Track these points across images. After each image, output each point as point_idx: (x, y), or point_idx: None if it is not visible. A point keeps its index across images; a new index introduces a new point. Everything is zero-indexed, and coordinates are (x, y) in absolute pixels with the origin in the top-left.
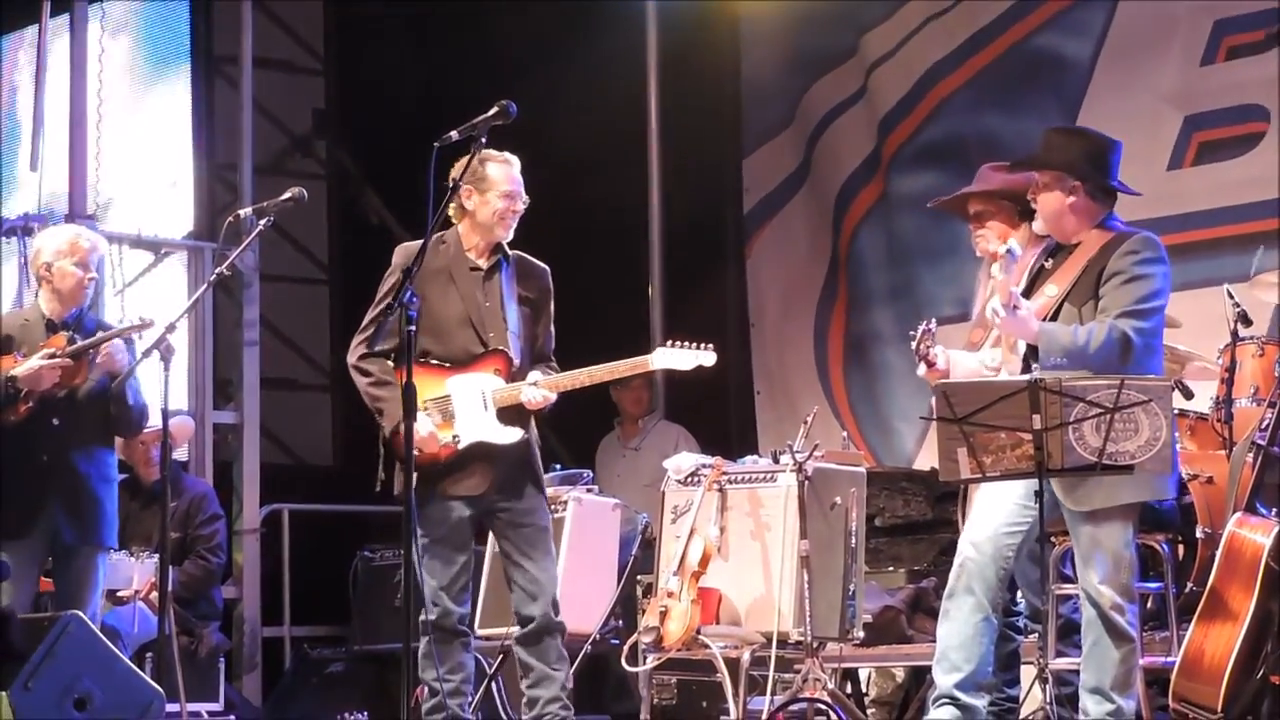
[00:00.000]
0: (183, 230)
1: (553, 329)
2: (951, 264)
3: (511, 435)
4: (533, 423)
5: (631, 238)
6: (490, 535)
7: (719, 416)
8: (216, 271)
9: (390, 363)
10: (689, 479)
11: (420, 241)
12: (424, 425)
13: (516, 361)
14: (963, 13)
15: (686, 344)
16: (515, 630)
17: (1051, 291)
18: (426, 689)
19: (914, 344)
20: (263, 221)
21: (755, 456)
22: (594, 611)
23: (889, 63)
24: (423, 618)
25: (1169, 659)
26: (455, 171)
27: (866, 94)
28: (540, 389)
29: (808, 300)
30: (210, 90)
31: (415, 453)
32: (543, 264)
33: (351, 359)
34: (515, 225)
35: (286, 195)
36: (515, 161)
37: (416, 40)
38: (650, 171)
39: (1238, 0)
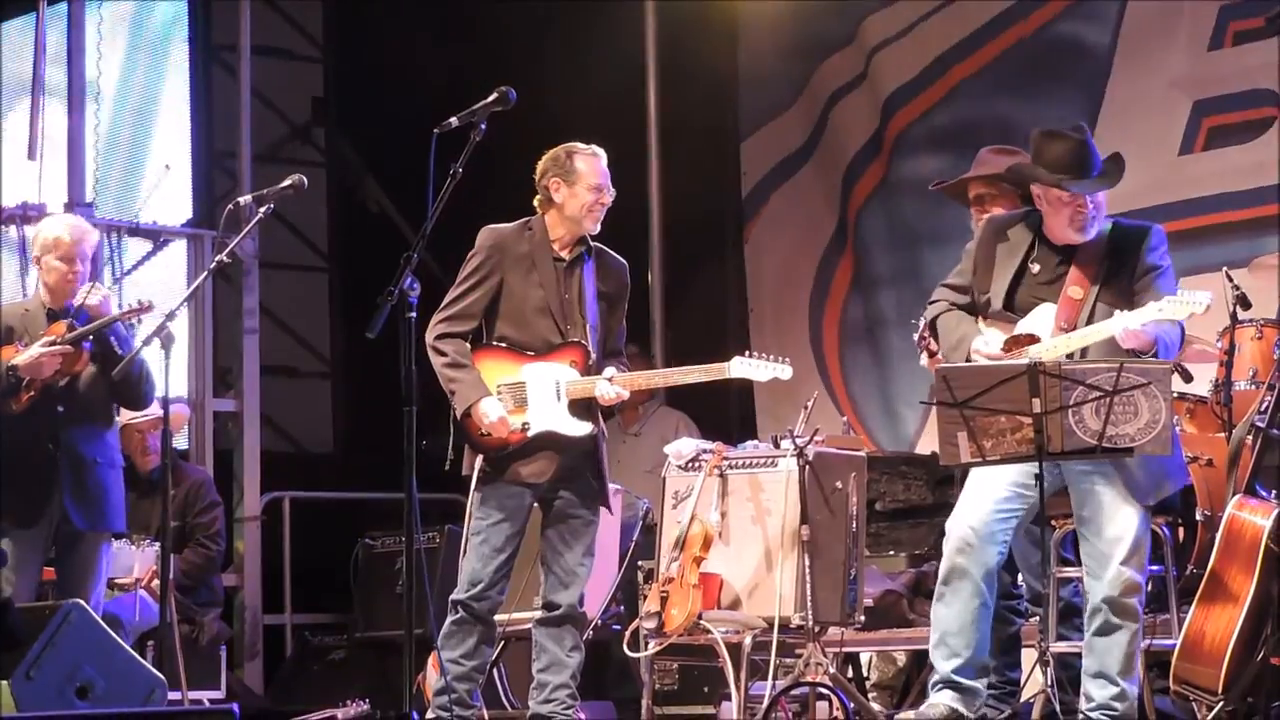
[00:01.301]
0: (182, 218)
1: (624, 324)
2: (956, 247)
3: (582, 428)
4: (601, 418)
5: (631, 225)
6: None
7: (719, 402)
8: (216, 259)
9: (467, 344)
10: (689, 464)
11: (509, 225)
12: (494, 410)
13: (593, 355)
14: None
15: (763, 356)
16: (521, 616)
17: (1076, 294)
18: (442, 668)
19: (916, 336)
20: (263, 209)
21: (755, 442)
22: (596, 597)
23: (893, 46)
24: (454, 597)
25: (1170, 642)
26: (541, 164)
27: (868, 78)
28: (615, 385)
29: (803, 286)
30: (209, 78)
31: (485, 435)
32: (623, 259)
33: (430, 337)
34: (602, 217)
35: (286, 183)
36: (602, 154)
37: (415, 27)
38: (649, 158)
39: None
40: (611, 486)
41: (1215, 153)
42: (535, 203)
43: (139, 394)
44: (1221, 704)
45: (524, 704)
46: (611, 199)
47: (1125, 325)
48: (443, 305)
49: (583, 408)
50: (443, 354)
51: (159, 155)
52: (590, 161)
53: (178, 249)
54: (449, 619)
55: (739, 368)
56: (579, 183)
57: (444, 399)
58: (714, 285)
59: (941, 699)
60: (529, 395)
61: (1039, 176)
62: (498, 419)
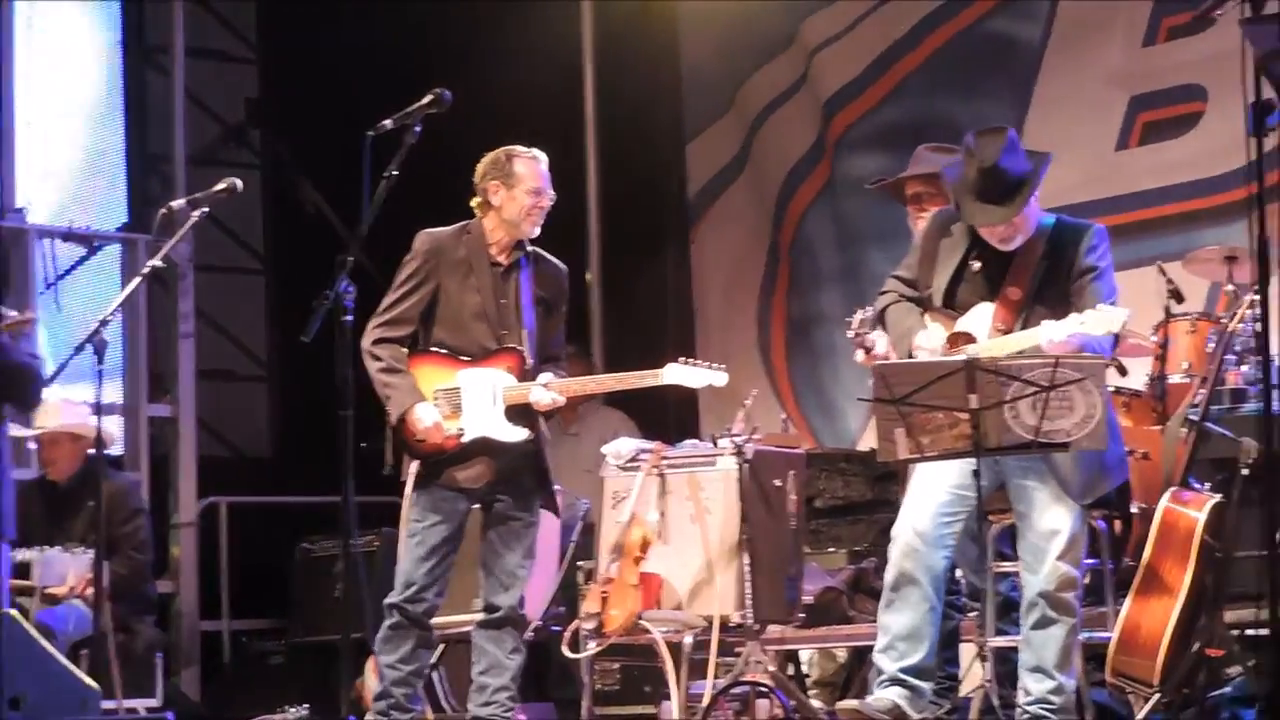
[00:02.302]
0: (116, 222)
1: (563, 329)
2: (899, 245)
3: (517, 434)
4: (542, 422)
5: (570, 224)
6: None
7: (658, 402)
8: (150, 264)
9: (404, 350)
10: (628, 464)
11: (446, 229)
12: (429, 415)
13: (530, 361)
14: None
15: (698, 362)
16: (461, 619)
17: (1014, 295)
18: (380, 673)
19: (850, 333)
20: (196, 212)
21: (695, 441)
22: (536, 599)
23: (834, 46)
24: (388, 600)
25: (1106, 634)
26: (480, 167)
27: (808, 80)
28: (550, 391)
29: (751, 285)
30: (142, 80)
31: (420, 441)
32: (562, 264)
33: (366, 342)
34: (541, 221)
35: (221, 185)
36: (543, 157)
37: (351, 27)
38: (587, 159)
39: None
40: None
41: (1151, 148)
42: (473, 205)
43: (26, 393)
44: (1158, 695)
45: (464, 707)
46: (551, 202)
47: (1050, 337)
48: (379, 310)
49: (519, 413)
50: (378, 359)
51: (91, 159)
52: (530, 164)
53: (111, 254)
54: (385, 623)
55: (673, 374)
56: (518, 186)
57: (382, 403)
58: (655, 286)
59: (888, 695)
60: (464, 401)
61: (950, 194)
62: (432, 425)
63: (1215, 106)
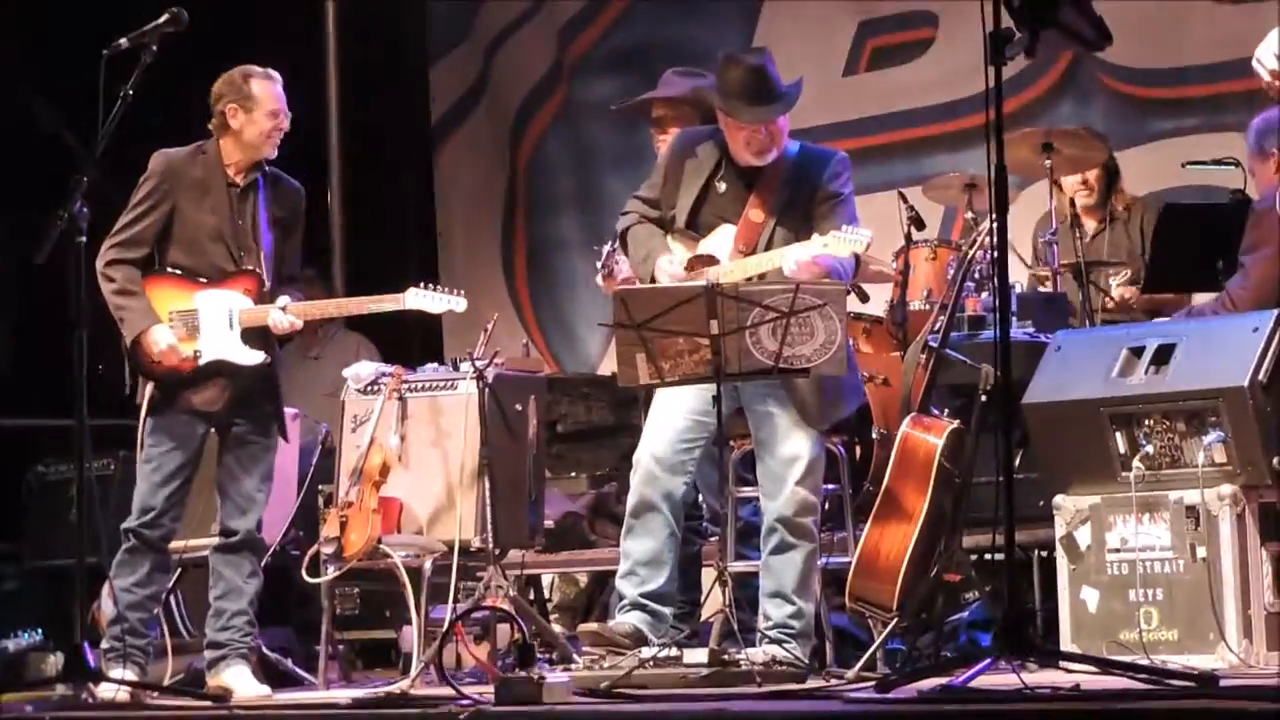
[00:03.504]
0: None
1: (300, 250)
2: (637, 168)
3: (254, 357)
4: (276, 344)
5: (312, 147)
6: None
7: (399, 325)
8: None
9: (138, 271)
10: (369, 388)
11: (182, 150)
12: (164, 338)
13: (267, 283)
14: None
15: (438, 288)
16: (198, 542)
17: (757, 218)
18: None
19: (599, 263)
20: None
21: (436, 365)
22: (274, 523)
23: None
24: (125, 525)
25: (846, 559)
26: (216, 88)
27: (545, 6)
28: (288, 314)
29: (493, 209)
30: None
31: (156, 363)
32: (298, 184)
33: (100, 264)
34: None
35: None
36: (278, 78)
37: None
38: (329, 80)
39: None
40: (290, 411)
41: (880, 73)
42: (210, 126)
43: None
44: (896, 620)
45: (201, 631)
46: (288, 123)
47: (795, 257)
48: (114, 231)
49: (256, 336)
50: (112, 280)
51: None
52: (267, 86)
53: None
54: (121, 548)
55: (414, 299)
56: (257, 109)
57: (118, 325)
58: (398, 209)
59: (629, 619)
60: (201, 323)
61: (713, 100)
62: (167, 347)
63: (945, 33)
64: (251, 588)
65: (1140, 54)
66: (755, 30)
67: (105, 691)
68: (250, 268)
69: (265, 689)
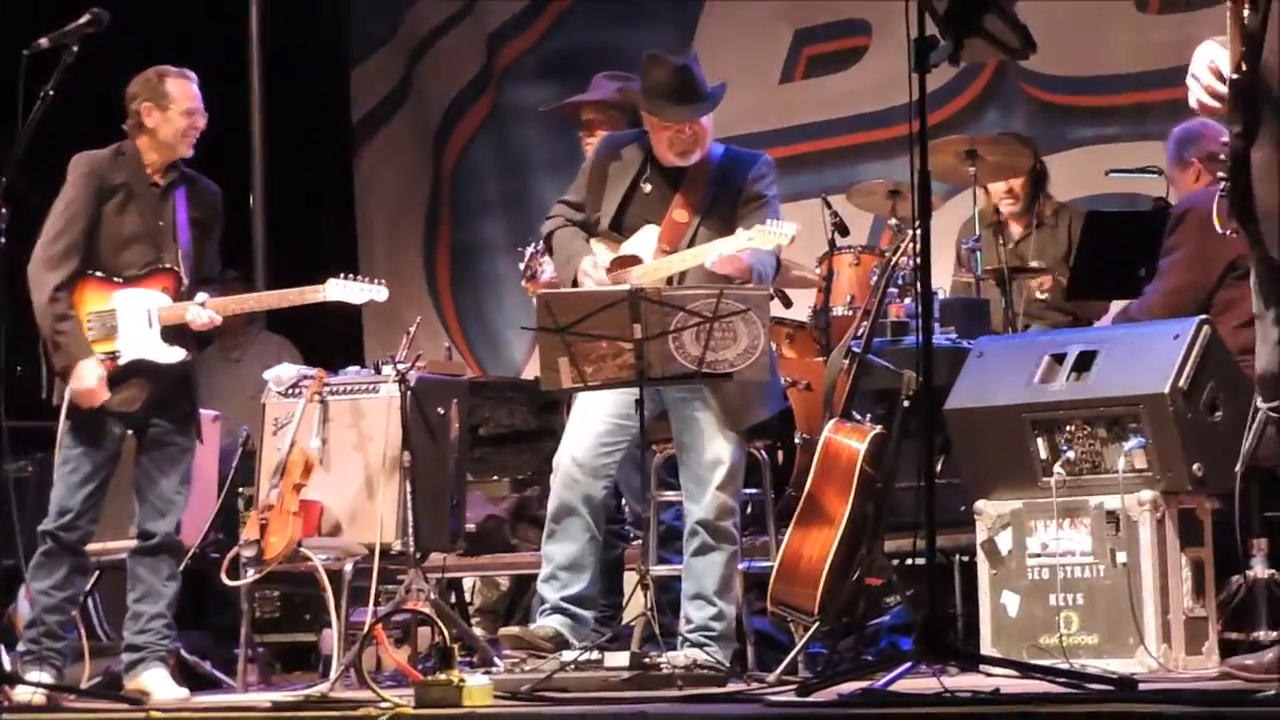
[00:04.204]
0: None
1: (219, 250)
2: (567, 173)
3: (174, 355)
4: (195, 344)
5: (233, 148)
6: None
7: (320, 328)
8: None
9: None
10: (290, 390)
11: (102, 152)
12: (91, 376)
13: (186, 281)
14: None
15: (359, 279)
16: (116, 545)
17: (681, 218)
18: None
19: (522, 265)
20: None
21: (358, 368)
22: (194, 525)
23: None
24: (42, 527)
25: (768, 563)
26: (131, 88)
27: (474, 11)
28: (207, 310)
29: (416, 213)
30: None
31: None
32: (215, 185)
33: (48, 281)
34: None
35: None
36: (194, 76)
37: None
38: (251, 79)
39: None
40: (210, 413)
41: (815, 81)
42: (125, 127)
43: None
44: (818, 624)
45: (119, 634)
46: (204, 122)
47: (720, 252)
48: (47, 240)
49: (175, 334)
50: (57, 302)
51: None
52: (183, 84)
53: None
54: (39, 550)
55: (335, 290)
56: (173, 107)
57: (39, 329)
58: (319, 213)
59: (550, 622)
60: (120, 323)
61: (638, 101)
62: (97, 385)
63: (879, 41)
64: (170, 590)
65: (1063, 62)
66: (694, 38)
67: (21, 694)
68: (169, 266)
69: (184, 692)
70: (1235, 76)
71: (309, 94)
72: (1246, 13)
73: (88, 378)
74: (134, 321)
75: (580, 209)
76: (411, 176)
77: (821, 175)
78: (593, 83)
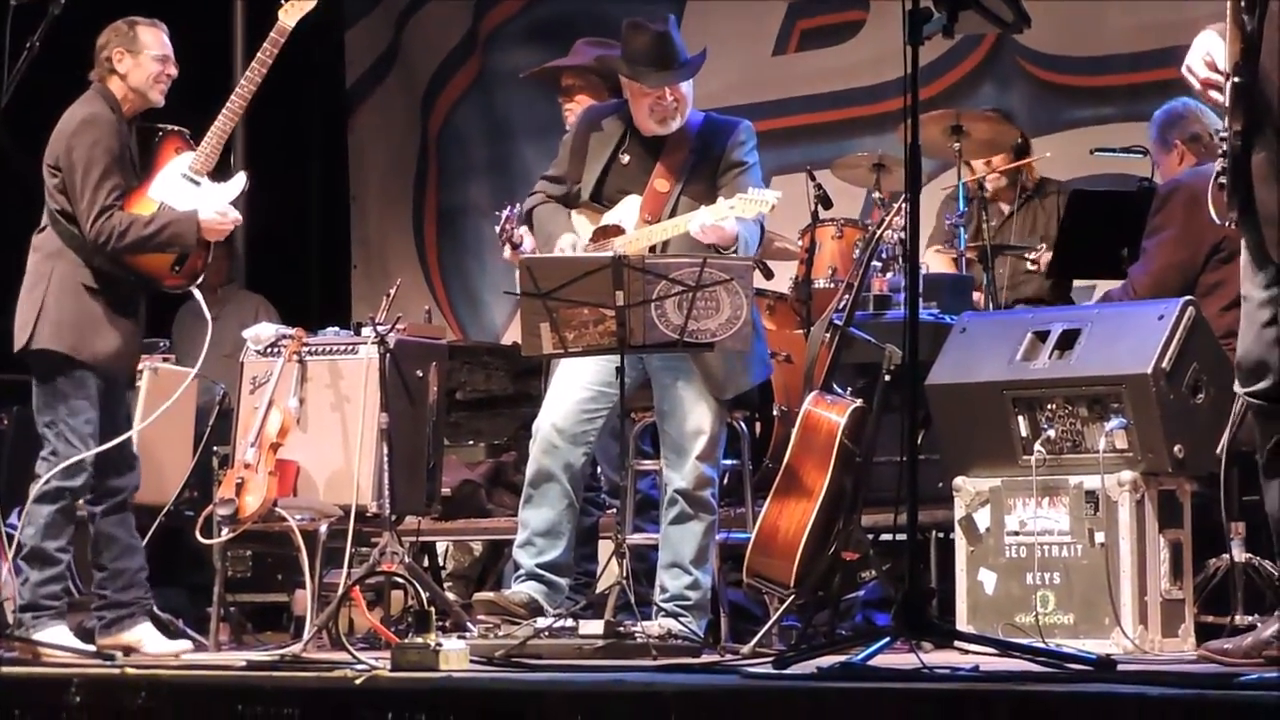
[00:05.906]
0: None
1: None
2: (551, 139)
3: (238, 182)
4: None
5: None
6: None
7: (300, 287)
8: None
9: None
10: (269, 349)
11: (105, 111)
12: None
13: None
14: None
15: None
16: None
17: (662, 187)
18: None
19: (498, 228)
20: None
21: (337, 328)
22: (169, 483)
23: None
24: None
25: (745, 535)
26: (102, 38)
27: None
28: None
29: (406, 176)
30: None
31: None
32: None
33: (114, 230)
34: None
35: None
36: (164, 26)
37: None
38: (235, 43)
39: None
40: (188, 370)
41: (808, 54)
42: (92, 76)
43: None
44: (793, 597)
45: (90, 590)
46: (176, 71)
47: (702, 221)
48: (104, 206)
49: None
50: (124, 222)
51: None
52: (154, 32)
53: None
54: (50, 509)
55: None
56: (145, 52)
57: (13, 279)
58: (309, 174)
59: (525, 589)
60: (175, 204)
61: (618, 68)
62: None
63: (875, 16)
64: (141, 542)
65: (1060, 41)
66: (684, 9)
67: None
68: (165, 132)
69: (180, 644)
70: (1237, 80)
71: (298, 58)
72: (1245, 16)
73: (209, 214)
74: (182, 192)
75: (561, 182)
76: (402, 139)
77: (812, 149)
78: (574, 48)
